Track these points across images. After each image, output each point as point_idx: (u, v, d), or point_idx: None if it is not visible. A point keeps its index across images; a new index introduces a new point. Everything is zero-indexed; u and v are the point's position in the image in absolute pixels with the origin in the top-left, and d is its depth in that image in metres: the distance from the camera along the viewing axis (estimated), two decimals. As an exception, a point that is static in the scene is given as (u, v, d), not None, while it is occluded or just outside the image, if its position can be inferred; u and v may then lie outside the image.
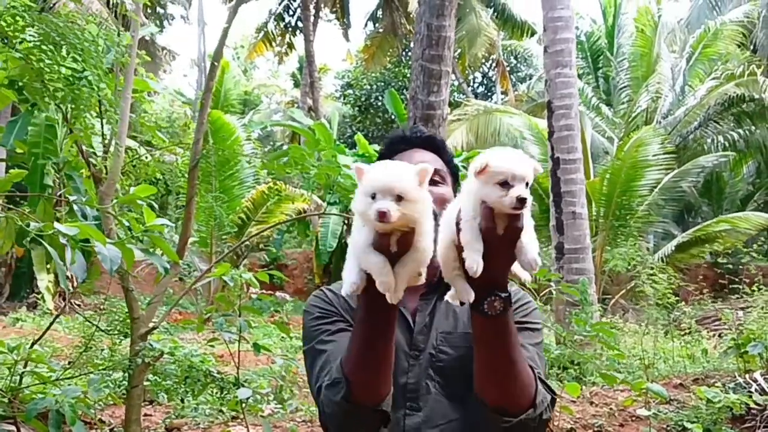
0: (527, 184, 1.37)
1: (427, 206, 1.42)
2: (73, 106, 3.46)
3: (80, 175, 4.59)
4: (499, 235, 1.39)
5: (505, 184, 1.35)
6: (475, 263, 1.38)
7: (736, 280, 8.35)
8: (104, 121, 3.99)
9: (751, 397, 5.75)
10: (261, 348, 4.21)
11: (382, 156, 1.98)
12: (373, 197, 1.36)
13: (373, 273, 1.42)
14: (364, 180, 1.40)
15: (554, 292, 6.53)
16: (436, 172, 1.87)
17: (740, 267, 13.58)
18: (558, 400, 1.85)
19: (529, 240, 1.41)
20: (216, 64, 4.22)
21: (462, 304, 1.51)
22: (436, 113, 6.46)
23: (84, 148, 4.04)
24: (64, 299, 14.24)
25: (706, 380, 6.46)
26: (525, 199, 1.35)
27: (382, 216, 1.33)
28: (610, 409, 6.01)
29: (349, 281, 1.47)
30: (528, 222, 1.42)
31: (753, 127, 19.41)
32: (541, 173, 1.44)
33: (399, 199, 1.35)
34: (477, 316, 1.51)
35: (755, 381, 6.00)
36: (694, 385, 6.42)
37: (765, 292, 8.13)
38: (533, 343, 1.78)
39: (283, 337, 11.29)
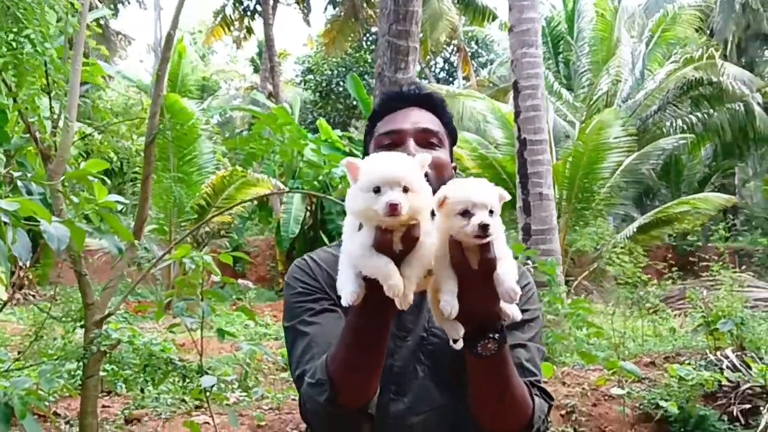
0: (491, 211, 1.29)
1: (429, 198, 1.30)
2: (15, 72, 3.17)
3: (24, 154, 4.29)
4: (474, 269, 1.30)
5: (466, 213, 1.28)
6: (449, 306, 1.30)
7: (707, 258, 8.41)
8: (52, 93, 3.71)
9: (722, 373, 5.75)
10: (225, 334, 3.99)
11: (377, 113, 1.81)
12: (377, 191, 1.24)
13: (379, 277, 1.27)
14: (364, 174, 1.28)
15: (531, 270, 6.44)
16: (434, 134, 1.74)
17: (709, 246, 13.75)
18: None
19: (506, 269, 1.32)
20: (172, 33, 3.96)
21: (455, 341, 1.41)
22: (403, 90, 6.27)
23: (32, 123, 3.77)
24: (20, 289, 13.76)
25: (677, 358, 6.45)
26: (487, 225, 1.27)
27: (394, 209, 1.21)
28: (583, 389, 5.93)
29: (347, 291, 1.32)
30: (503, 251, 1.33)
31: (711, 110, 19.68)
32: (507, 199, 1.37)
33: (405, 190, 1.24)
34: (470, 356, 1.42)
35: (726, 358, 5.99)
36: (665, 363, 6.40)
37: (730, 271, 8.18)
38: (532, 336, 1.68)
39: (246, 324, 11.07)
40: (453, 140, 1.82)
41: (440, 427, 1.62)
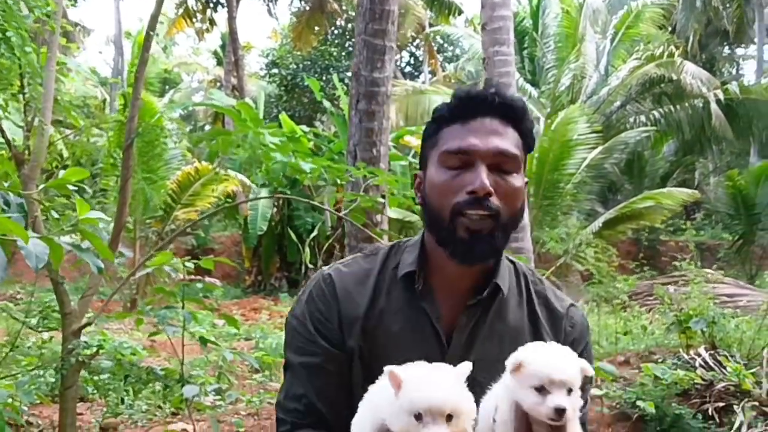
0: (570, 390, 1.19)
1: (472, 413, 1.20)
2: (-9, 76, 3.04)
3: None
4: None
5: (543, 390, 1.17)
6: None
7: (668, 252, 8.55)
8: (26, 95, 3.58)
9: (696, 372, 5.83)
10: (207, 341, 3.90)
11: (444, 116, 1.56)
12: (419, 418, 1.15)
13: None
14: (406, 397, 1.17)
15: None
16: (511, 158, 1.51)
17: (668, 240, 13.76)
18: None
19: None
20: (151, 33, 3.85)
21: None
22: (380, 90, 6.19)
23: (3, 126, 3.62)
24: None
25: (651, 357, 6.52)
26: (564, 409, 1.16)
27: None
28: (559, 389, 5.97)
29: None
30: (575, 427, 1.23)
31: (672, 107, 20.00)
32: (591, 374, 1.25)
33: (449, 418, 1.15)
34: None
35: (699, 356, 6.08)
36: (639, 361, 6.47)
37: (697, 268, 8.31)
38: (584, 411, 1.50)
39: (214, 324, 10.93)
40: (530, 149, 1.59)
41: None
